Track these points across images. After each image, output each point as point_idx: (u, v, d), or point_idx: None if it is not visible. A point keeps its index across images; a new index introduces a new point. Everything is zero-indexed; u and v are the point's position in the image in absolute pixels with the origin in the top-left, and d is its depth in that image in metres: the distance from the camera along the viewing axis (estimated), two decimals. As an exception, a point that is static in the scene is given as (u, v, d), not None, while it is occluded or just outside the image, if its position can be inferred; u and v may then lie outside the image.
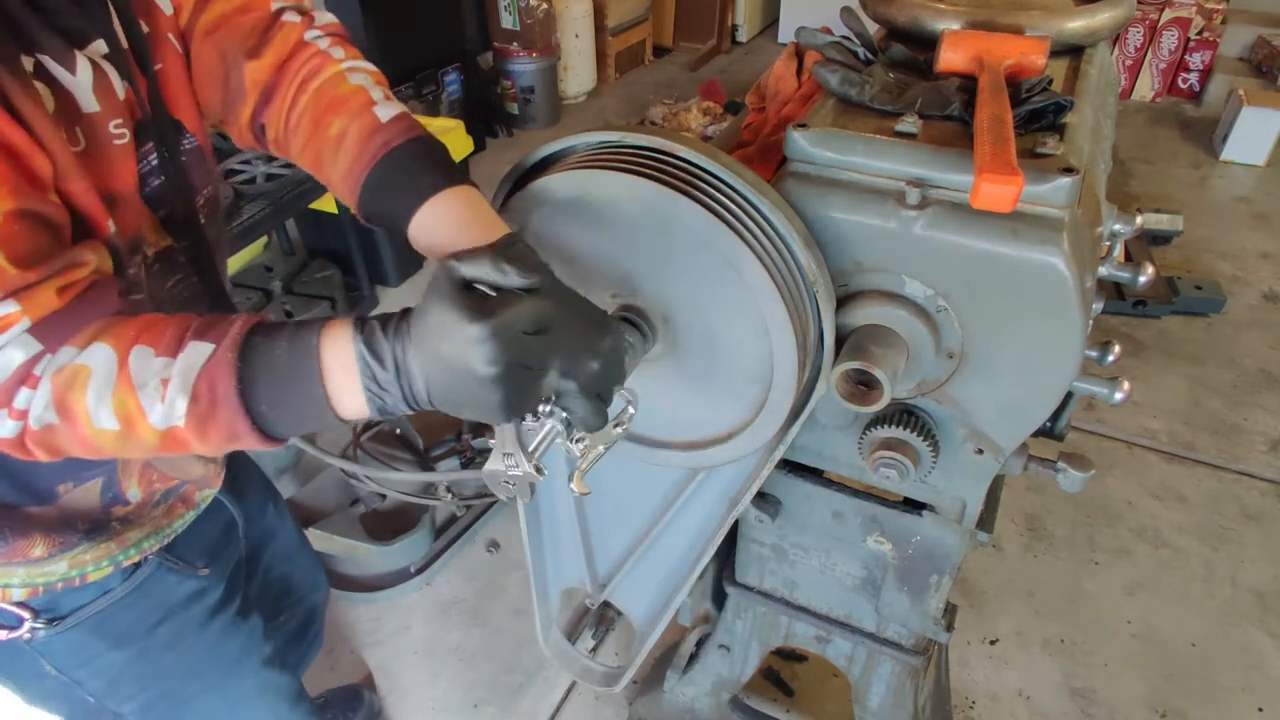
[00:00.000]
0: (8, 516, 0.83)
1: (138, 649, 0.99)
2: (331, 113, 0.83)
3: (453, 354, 0.59)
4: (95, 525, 0.89)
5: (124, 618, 0.96)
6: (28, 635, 0.90)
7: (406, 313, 0.64)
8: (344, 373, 0.63)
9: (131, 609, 0.96)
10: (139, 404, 0.63)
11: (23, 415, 0.64)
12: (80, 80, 0.71)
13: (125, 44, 0.76)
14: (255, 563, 1.22)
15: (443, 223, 0.78)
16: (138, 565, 0.96)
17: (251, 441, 0.66)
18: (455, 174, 0.81)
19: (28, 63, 0.66)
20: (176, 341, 0.65)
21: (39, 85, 0.67)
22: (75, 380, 0.63)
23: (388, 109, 0.84)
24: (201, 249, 0.89)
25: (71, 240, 0.68)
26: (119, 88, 0.75)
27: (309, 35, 0.87)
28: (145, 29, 0.80)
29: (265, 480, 1.27)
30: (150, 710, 1.05)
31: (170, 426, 0.64)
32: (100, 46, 0.73)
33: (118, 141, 0.75)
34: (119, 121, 0.74)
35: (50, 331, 0.64)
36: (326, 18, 0.91)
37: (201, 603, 1.04)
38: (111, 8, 0.75)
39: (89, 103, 0.71)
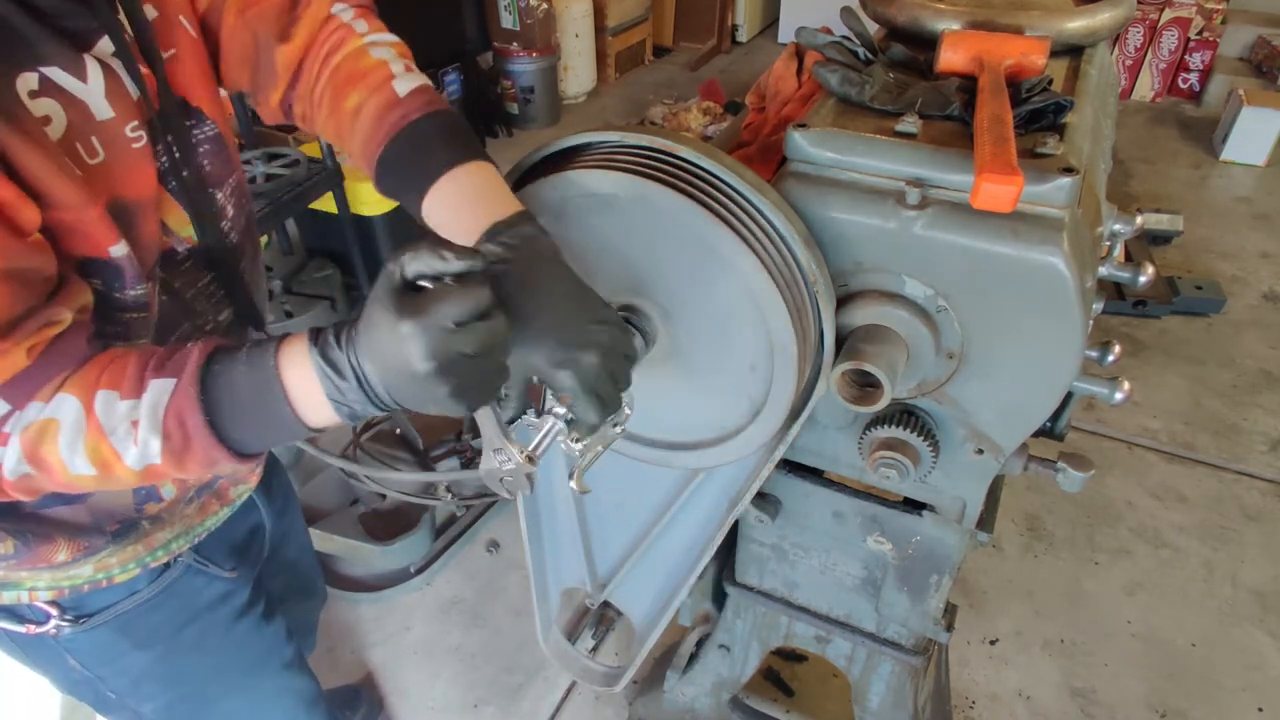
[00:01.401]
0: (30, 520, 0.82)
1: (162, 650, 0.98)
2: (350, 85, 0.82)
3: (391, 354, 0.59)
4: (124, 526, 0.88)
5: (150, 619, 0.96)
6: (53, 631, 0.90)
7: (356, 319, 0.63)
8: (306, 387, 0.63)
9: (158, 610, 0.96)
10: (113, 449, 0.64)
11: None
12: (92, 87, 0.69)
13: (130, 37, 0.74)
14: (267, 565, 1.21)
15: (455, 200, 0.76)
16: (166, 567, 0.95)
17: (230, 465, 0.67)
18: (471, 149, 0.79)
19: (30, 79, 0.64)
20: (138, 380, 0.65)
21: (47, 102, 0.65)
22: (44, 434, 0.63)
23: (407, 82, 0.82)
24: (229, 244, 0.88)
25: (63, 271, 0.67)
26: (131, 88, 0.73)
27: (335, 9, 0.86)
28: (154, 13, 0.77)
29: (288, 479, 1.27)
30: (171, 711, 1.04)
31: (147, 465, 0.65)
32: (107, 45, 0.71)
33: (135, 145, 0.73)
34: (134, 124, 0.73)
35: (18, 390, 0.63)
36: None
37: (228, 605, 1.03)
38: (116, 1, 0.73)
39: (103, 110, 0.70)
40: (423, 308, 0.58)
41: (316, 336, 0.63)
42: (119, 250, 0.71)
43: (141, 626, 0.96)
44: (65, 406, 0.64)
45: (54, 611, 0.90)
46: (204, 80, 0.84)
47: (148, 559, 0.92)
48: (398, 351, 0.58)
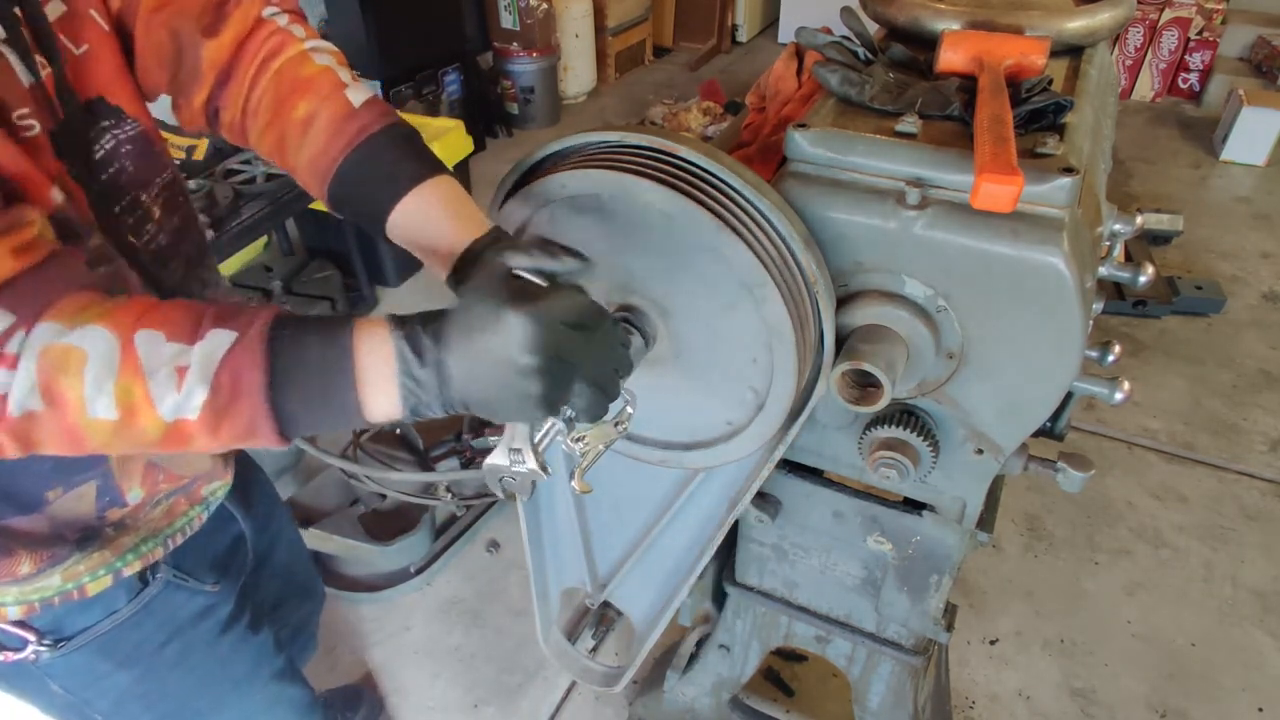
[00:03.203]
0: None
1: (144, 668, 0.96)
2: (297, 94, 0.78)
3: (494, 344, 0.58)
4: (87, 533, 0.85)
5: (130, 637, 0.93)
6: (32, 656, 0.87)
7: (444, 311, 0.61)
8: (379, 369, 0.60)
9: (138, 628, 0.93)
10: (147, 392, 0.58)
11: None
12: None
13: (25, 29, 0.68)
14: (258, 573, 1.19)
15: (426, 215, 0.76)
16: (144, 580, 0.92)
17: (267, 439, 0.62)
18: (434, 163, 0.78)
19: None
20: (192, 327, 0.59)
21: None
22: (67, 363, 0.57)
23: (358, 93, 0.80)
24: (155, 247, 0.83)
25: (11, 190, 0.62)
26: (22, 75, 0.67)
27: (267, 12, 0.81)
28: (61, 9, 0.73)
29: (271, 488, 1.25)
30: None
31: (179, 418, 0.59)
32: None
33: (27, 134, 0.67)
34: (23, 112, 0.67)
35: (18, 300, 0.57)
36: None
37: (210, 619, 1.01)
38: None
39: None
40: (536, 299, 0.57)
41: (400, 322, 0.61)
42: (58, 195, 0.67)
43: (122, 646, 0.93)
44: (93, 337, 0.58)
45: (31, 636, 0.86)
46: (123, 77, 0.79)
47: (118, 564, 0.88)
48: (504, 342, 0.57)
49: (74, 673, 0.92)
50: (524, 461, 0.73)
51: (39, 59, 0.69)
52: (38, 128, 0.68)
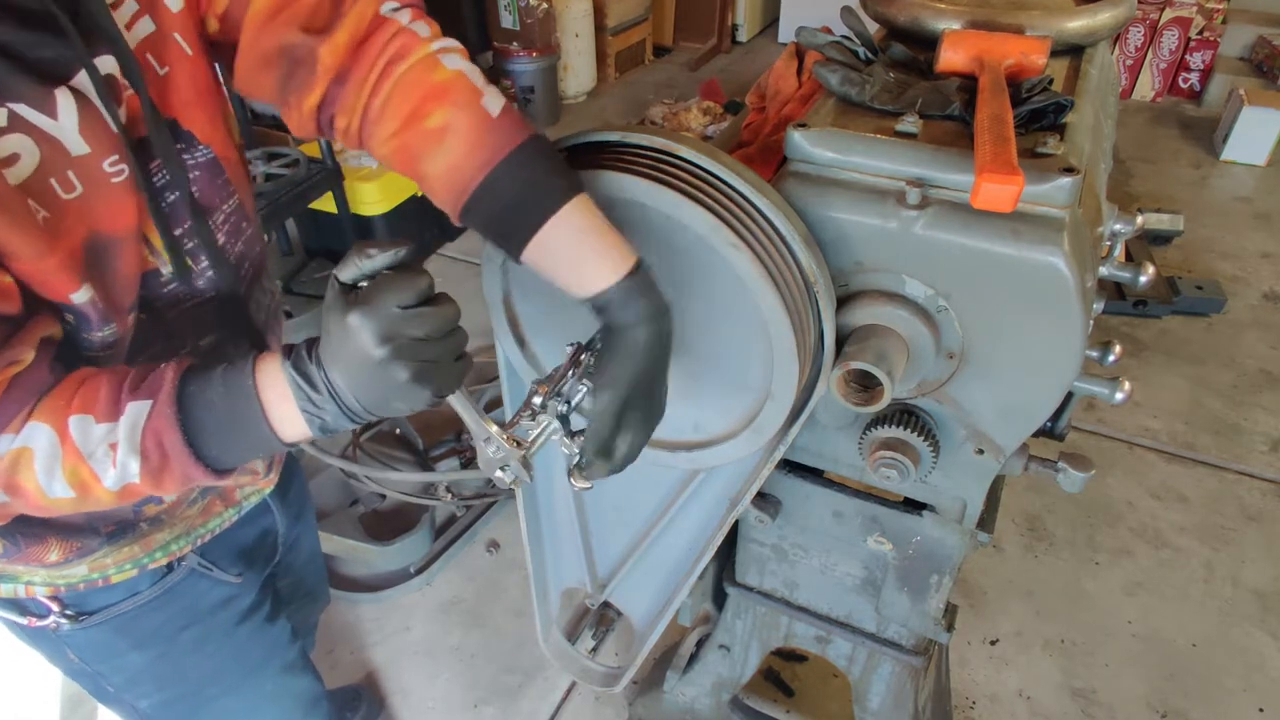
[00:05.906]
0: (20, 521, 0.80)
1: (159, 651, 0.99)
2: (432, 102, 0.72)
3: (350, 352, 0.61)
4: (120, 527, 0.87)
5: (150, 620, 0.96)
6: (53, 625, 0.91)
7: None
8: (282, 402, 0.65)
9: (159, 612, 0.96)
10: (91, 471, 0.65)
11: None
12: (64, 123, 0.66)
13: (111, 67, 0.70)
14: (278, 567, 1.20)
15: (556, 254, 0.72)
16: (169, 569, 0.95)
17: (206, 480, 0.68)
18: (569, 183, 0.72)
19: (0, 115, 0.62)
20: (114, 403, 0.65)
21: (17, 139, 0.63)
22: (19, 462, 0.64)
23: (494, 101, 0.73)
24: (223, 271, 0.84)
25: (30, 308, 0.66)
26: (110, 120, 0.69)
27: (385, 9, 0.76)
28: (151, 28, 0.74)
29: (305, 486, 1.26)
30: (167, 709, 1.05)
31: (125, 485, 0.66)
32: (86, 78, 0.68)
33: (116, 180, 0.70)
34: (113, 159, 0.70)
35: None
36: None
37: (230, 609, 1.03)
38: (76, 31, 0.67)
39: (78, 146, 0.67)
40: (365, 298, 0.61)
41: (289, 352, 0.66)
42: (80, 297, 0.69)
43: (141, 627, 0.96)
44: (38, 434, 0.64)
45: (55, 607, 0.90)
46: (199, 102, 0.79)
47: (145, 560, 0.91)
48: (353, 345, 0.61)
49: (91, 646, 0.95)
50: (499, 447, 0.74)
51: (123, 82, 0.72)
52: (126, 171, 0.72)
